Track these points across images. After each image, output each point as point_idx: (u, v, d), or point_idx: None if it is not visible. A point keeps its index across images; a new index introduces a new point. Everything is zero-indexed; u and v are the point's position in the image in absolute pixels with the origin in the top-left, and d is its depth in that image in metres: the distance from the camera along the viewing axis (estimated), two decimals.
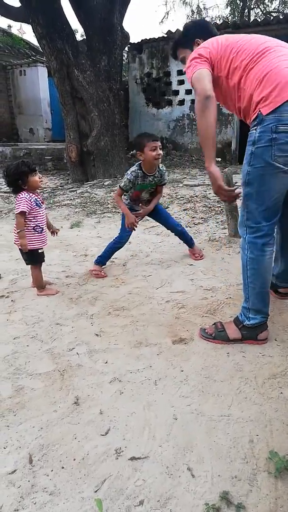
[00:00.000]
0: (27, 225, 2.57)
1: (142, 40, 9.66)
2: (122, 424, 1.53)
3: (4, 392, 1.72)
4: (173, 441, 1.44)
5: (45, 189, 7.11)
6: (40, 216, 2.63)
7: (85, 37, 7.64)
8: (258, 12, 15.92)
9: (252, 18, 14.74)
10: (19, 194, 2.56)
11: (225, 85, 1.91)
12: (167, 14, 19.13)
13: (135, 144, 2.88)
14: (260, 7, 15.73)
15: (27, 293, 2.75)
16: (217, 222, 4.43)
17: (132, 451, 1.40)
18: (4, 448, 1.43)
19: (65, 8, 7.24)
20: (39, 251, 2.66)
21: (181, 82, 9.32)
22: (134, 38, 19.73)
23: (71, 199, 6.15)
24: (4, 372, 1.86)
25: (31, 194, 2.58)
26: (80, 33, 14.67)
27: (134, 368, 1.87)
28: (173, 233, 3.35)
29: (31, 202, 2.55)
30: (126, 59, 11.14)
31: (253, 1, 15.55)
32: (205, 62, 1.87)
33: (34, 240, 2.61)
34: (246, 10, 15.77)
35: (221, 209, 4.80)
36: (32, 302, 2.60)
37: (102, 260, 3.10)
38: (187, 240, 3.36)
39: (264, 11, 15.60)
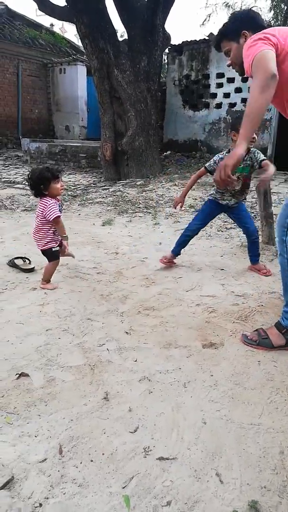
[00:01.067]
0: (46, 228, 2.73)
1: (183, 42, 9.64)
2: (151, 423, 1.53)
3: (36, 382, 1.76)
4: (202, 445, 1.43)
5: (78, 186, 7.21)
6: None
7: (126, 37, 7.70)
8: None
9: None
10: (45, 199, 2.67)
11: (283, 79, 1.75)
12: (209, 16, 18.92)
13: (232, 124, 2.87)
14: None
15: (59, 286, 2.79)
16: None
17: (160, 451, 1.40)
18: (36, 436, 1.46)
19: (108, 8, 7.33)
20: (53, 249, 2.78)
21: (219, 85, 9.25)
22: (175, 40, 19.72)
23: (103, 197, 6.21)
24: (36, 362, 1.90)
25: (54, 200, 2.69)
26: (120, 33, 14.79)
27: (164, 369, 1.87)
28: (246, 240, 3.20)
29: (58, 207, 2.70)
30: (165, 60, 11.15)
31: None
32: (272, 46, 1.71)
33: (50, 242, 2.76)
34: None
35: (255, 215, 4.74)
36: (64, 296, 2.64)
37: (174, 249, 3.20)
38: (254, 254, 3.15)
39: None
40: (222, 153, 2.95)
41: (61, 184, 2.71)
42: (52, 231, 2.75)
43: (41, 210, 2.68)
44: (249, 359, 1.96)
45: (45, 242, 2.75)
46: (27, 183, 2.75)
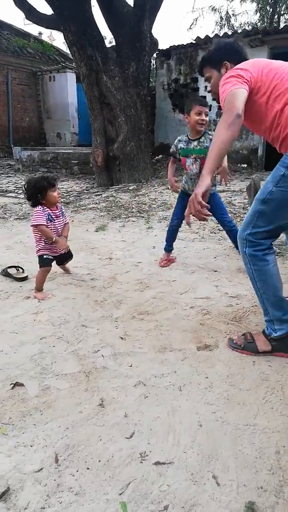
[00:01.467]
0: (39, 236, 2.77)
1: (170, 46, 9.70)
2: (147, 428, 1.53)
3: (31, 391, 1.75)
4: (198, 448, 1.43)
5: (71, 192, 7.22)
6: (53, 230, 2.78)
7: (114, 44, 7.75)
8: None
9: (282, 25, 14.60)
10: (37, 207, 2.73)
11: (261, 110, 1.85)
12: (196, 20, 19.14)
13: (183, 107, 3.03)
14: None
15: (53, 293, 2.79)
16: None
17: (156, 455, 1.40)
18: (31, 446, 1.45)
19: (95, 15, 7.38)
20: (44, 256, 2.79)
21: (208, 88, 9.31)
22: (163, 45, 19.86)
23: (96, 203, 6.22)
24: (31, 371, 1.89)
25: (46, 208, 2.74)
26: (108, 40, 14.88)
27: (159, 373, 1.87)
28: (224, 229, 3.33)
29: (44, 216, 2.71)
30: (154, 65, 11.22)
31: (283, 7, 15.40)
32: (245, 83, 1.78)
33: (43, 249, 2.79)
34: (276, 16, 15.65)
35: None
36: (58, 303, 2.64)
37: (165, 246, 3.36)
38: (234, 240, 3.21)
39: None
40: (180, 136, 3.11)
41: (57, 192, 2.76)
42: (43, 238, 2.77)
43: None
44: (244, 360, 1.97)
45: (38, 249, 2.80)
46: (23, 194, 2.80)
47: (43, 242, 2.78)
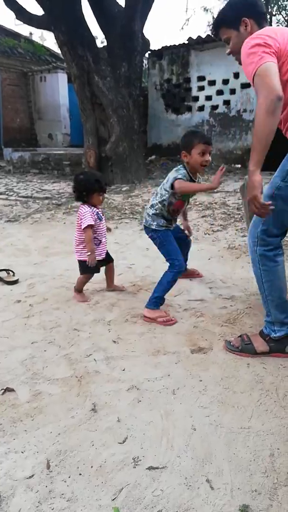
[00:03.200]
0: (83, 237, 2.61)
1: (162, 46, 9.70)
2: (140, 433, 1.51)
3: (22, 396, 1.73)
4: (192, 452, 1.42)
5: (63, 194, 7.18)
6: (100, 229, 2.69)
7: (105, 44, 7.74)
8: (280, 19, 15.85)
9: (274, 25, 14.68)
10: (82, 206, 2.61)
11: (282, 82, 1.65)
12: (188, 21, 19.19)
13: (182, 142, 2.40)
14: (282, 13, 15.64)
15: (44, 297, 2.76)
16: (236, 230, 4.39)
17: (150, 460, 1.39)
18: (22, 452, 1.43)
19: (86, 15, 7.35)
20: (88, 263, 2.62)
21: (201, 88, 9.32)
22: (155, 45, 19.91)
23: None
24: (22, 376, 1.87)
25: (93, 207, 2.62)
26: (100, 40, 14.86)
27: (152, 377, 1.86)
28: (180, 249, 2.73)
29: (94, 215, 2.60)
30: (146, 65, 11.22)
31: (274, 8, 15.48)
32: (273, 55, 1.61)
33: (86, 253, 2.62)
34: (268, 17, 15.72)
35: (241, 216, 4.77)
36: (49, 307, 2.62)
37: (159, 301, 2.48)
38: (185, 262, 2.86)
39: (287, 18, 15.52)
40: (181, 169, 2.39)
41: (103, 196, 2.68)
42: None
43: (79, 218, 2.63)
44: (238, 362, 1.96)
45: (80, 252, 2.66)
46: (73, 183, 2.66)
47: (93, 244, 2.62)
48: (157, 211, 2.47)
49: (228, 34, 1.92)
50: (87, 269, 2.65)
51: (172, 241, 2.52)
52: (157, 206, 2.47)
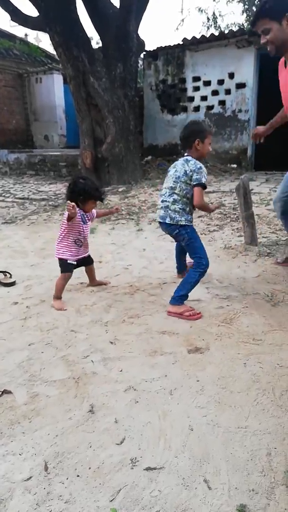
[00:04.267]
0: (69, 237, 2.68)
1: (157, 47, 9.71)
2: (138, 434, 1.52)
3: (20, 398, 1.73)
4: (189, 452, 1.42)
5: (59, 195, 7.18)
6: (82, 231, 2.72)
7: (100, 45, 7.74)
8: None
9: None
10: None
11: None
12: (183, 21, 19.18)
13: (194, 131, 2.48)
14: None
15: (41, 299, 2.76)
16: (232, 230, 4.40)
17: (147, 461, 1.39)
18: (20, 454, 1.43)
19: (81, 16, 7.35)
20: (68, 261, 2.70)
21: (196, 89, 9.34)
22: (150, 45, 19.88)
23: None
24: (19, 378, 1.87)
25: (79, 210, 2.66)
26: (95, 41, 14.86)
27: (149, 377, 1.86)
28: (179, 249, 2.98)
29: (79, 217, 2.65)
30: (141, 66, 11.23)
31: None
32: None
33: (67, 253, 2.69)
34: None
35: (237, 216, 4.78)
36: (46, 309, 2.62)
37: (184, 298, 2.50)
38: (183, 262, 3.03)
39: None
40: (197, 162, 2.45)
41: (96, 205, 2.75)
42: (72, 241, 2.70)
43: (64, 214, 2.65)
44: (235, 362, 1.97)
45: (61, 251, 2.69)
46: (70, 185, 2.68)
47: (68, 241, 2.69)
48: (184, 206, 2.46)
49: (269, 25, 2.02)
50: (65, 267, 2.69)
51: (199, 238, 2.53)
52: (182, 201, 2.45)
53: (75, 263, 2.74)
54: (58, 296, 2.69)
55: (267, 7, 2.03)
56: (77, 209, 2.60)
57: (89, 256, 2.88)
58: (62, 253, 2.69)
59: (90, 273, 2.97)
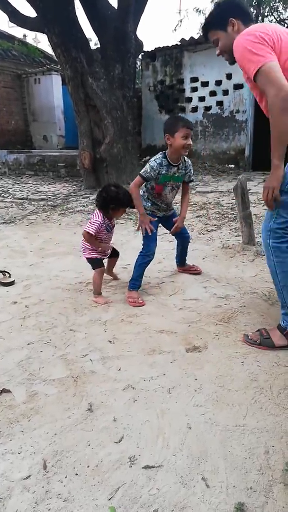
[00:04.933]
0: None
1: (155, 48, 9.73)
2: (136, 432, 1.52)
3: (19, 397, 1.73)
4: (187, 451, 1.43)
5: (58, 196, 7.18)
6: (106, 238, 2.76)
7: (99, 46, 7.74)
8: (272, 20, 15.92)
9: None
10: (97, 213, 2.65)
11: None
12: (181, 22, 19.19)
13: (166, 126, 2.57)
14: (274, 14, 15.70)
15: (40, 299, 2.76)
16: (230, 229, 4.41)
17: (146, 459, 1.40)
18: (19, 453, 1.44)
19: (79, 17, 7.36)
20: (98, 257, 2.75)
21: (194, 90, 9.36)
22: (148, 46, 19.90)
23: (84, 206, 6.19)
24: (18, 377, 1.87)
25: (106, 220, 2.66)
26: (94, 42, 14.85)
27: (148, 376, 1.87)
28: (178, 243, 3.12)
29: (102, 227, 2.65)
30: (139, 67, 11.24)
31: (266, 9, 15.55)
32: (272, 52, 1.70)
33: (94, 253, 2.73)
34: (260, 18, 15.78)
35: (235, 216, 4.79)
36: (45, 308, 2.62)
37: (135, 283, 2.76)
38: (184, 257, 3.18)
39: (278, 19, 15.59)
40: (158, 158, 2.62)
41: (124, 212, 2.76)
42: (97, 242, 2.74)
43: (90, 221, 2.68)
44: (233, 360, 1.97)
45: (87, 252, 2.74)
46: (101, 193, 2.63)
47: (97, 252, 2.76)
48: (144, 194, 2.77)
49: (217, 36, 2.01)
50: (96, 264, 2.73)
51: (152, 226, 2.72)
52: (144, 189, 2.77)
53: (102, 258, 2.79)
54: (98, 292, 2.74)
55: (209, 20, 2.04)
56: (101, 216, 2.63)
57: (113, 250, 2.94)
58: (89, 253, 2.73)
59: (112, 263, 3.06)
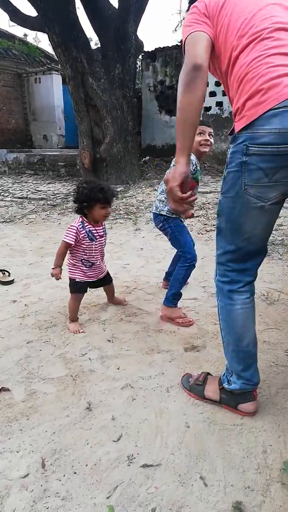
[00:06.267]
0: (75, 255, 2.32)
1: (156, 48, 9.73)
2: (134, 431, 1.52)
3: (18, 396, 1.73)
4: (186, 449, 1.43)
5: (58, 195, 7.18)
6: (91, 250, 2.31)
7: (99, 46, 7.75)
8: None
9: None
10: (76, 221, 2.28)
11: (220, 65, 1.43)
12: (181, 22, 19.14)
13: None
14: None
15: (40, 297, 2.77)
16: None
17: (144, 458, 1.40)
18: (17, 452, 1.44)
19: (80, 17, 7.37)
20: (77, 280, 2.34)
21: None
22: (148, 47, 19.93)
23: None
24: (17, 376, 1.87)
25: (87, 225, 2.27)
26: (94, 42, 14.88)
27: (146, 375, 1.87)
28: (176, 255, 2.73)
29: (81, 234, 2.25)
30: (139, 67, 11.25)
31: None
32: (203, 22, 1.38)
33: (77, 271, 2.34)
34: None
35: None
36: (44, 307, 2.62)
37: (176, 298, 2.43)
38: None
39: None
40: (78, 221, 2.29)
41: (107, 211, 2.25)
42: (80, 259, 2.32)
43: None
44: None
45: (71, 269, 2.35)
46: (74, 193, 2.28)
47: (81, 265, 2.33)
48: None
49: None
50: (73, 287, 2.35)
51: (185, 232, 2.43)
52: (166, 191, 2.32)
53: (84, 281, 2.36)
54: (72, 318, 2.37)
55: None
56: (79, 223, 2.26)
57: (105, 277, 2.50)
58: (71, 271, 2.35)
59: (108, 293, 2.64)
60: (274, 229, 4.23)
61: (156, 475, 1.33)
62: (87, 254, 2.31)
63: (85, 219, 2.27)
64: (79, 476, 1.33)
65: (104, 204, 2.20)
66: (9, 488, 1.29)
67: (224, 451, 1.42)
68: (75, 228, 2.25)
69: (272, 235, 4.06)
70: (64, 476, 1.34)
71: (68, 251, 2.31)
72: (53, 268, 2.29)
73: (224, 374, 1.63)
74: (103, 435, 1.51)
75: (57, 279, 2.29)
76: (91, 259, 2.33)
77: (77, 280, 2.33)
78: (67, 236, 2.24)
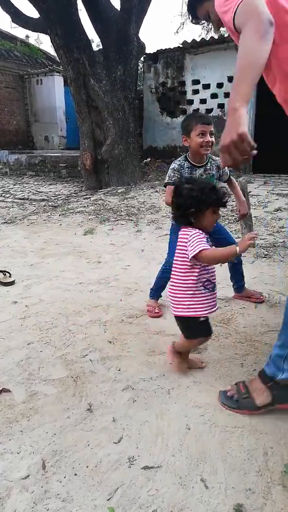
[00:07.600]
0: (195, 279, 1.68)
1: (157, 50, 9.73)
2: (135, 433, 1.52)
3: (18, 397, 1.73)
4: (186, 451, 1.43)
5: (59, 196, 7.19)
6: (212, 268, 1.74)
7: (101, 47, 7.76)
8: None
9: None
10: (186, 230, 1.70)
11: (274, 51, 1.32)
12: (183, 24, 19.12)
13: (182, 127, 2.29)
14: None
15: (40, 299, 2.76)
16: (230, 231, 4.38)
17: (145, 460, 1.40)
18: (18, 453, 1.44)
19: (82, 19, 7.38)
20: (201, 319, 1.72)
21: (195, 92, 9.37)
22: (150, 48, 19.91)
23: (84, 206, 6.20)
24: (18, 377, 1.87)
25: (201, 232, 1.68)
26: (96, 43, 14.89)
27: (147, 376, 1.87)
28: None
29: (204, 238, 1.66)
30: (141, 69, 11.26)
31: None
32: None
33: (198, 304, 1.70)
34: None
35: (235, 218, 4.79)
36: (45, 308, 2.62)
37: (154, 292, 2.61)
38: (239, 278, 2.68)
39: None
40: (178, 160, 2.33)
41: (218, 215, 1.74)
42: (202, 282, 1.70)
43: (180, 247, 1.71)
44: (232, 362, 1.98)
45: (184, 304, 1.71)
46: (175, 198, 1.71)
47: (204, 290, 1.70)
48: None
49: (206, 8, 1.70)
50: (197, 330, 1.76)
51: (172, 236, 2.42)
52: None
53: (207, 317, 1.75)
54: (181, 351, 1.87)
55: None
56: (191, 229, 1.68)
57: None
58: (190, 307, 1.70)
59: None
60: (276, 231, 4.24)
61: (156, 477, 1.33)
62: (210, 271, 1.73)
63: (191, 227, 1.69)
64: (79, 478, 1.33)
65: (218, 207, 1.71)
66: (9, 489, 1.29)
67: (225, 453, 1.42)
68: (195, 233, 1.65)
69: (273, 237, 4.08)
70: (64, 477, 1.33)
71: (181, 281, 1.71)
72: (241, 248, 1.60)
73: (269, 366, 1.47)
74: (103, 436, 1.51)
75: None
76: (213, 278, 1.74)
77: (201, 319, 1.71)
78: (200, 245, 1.60)
